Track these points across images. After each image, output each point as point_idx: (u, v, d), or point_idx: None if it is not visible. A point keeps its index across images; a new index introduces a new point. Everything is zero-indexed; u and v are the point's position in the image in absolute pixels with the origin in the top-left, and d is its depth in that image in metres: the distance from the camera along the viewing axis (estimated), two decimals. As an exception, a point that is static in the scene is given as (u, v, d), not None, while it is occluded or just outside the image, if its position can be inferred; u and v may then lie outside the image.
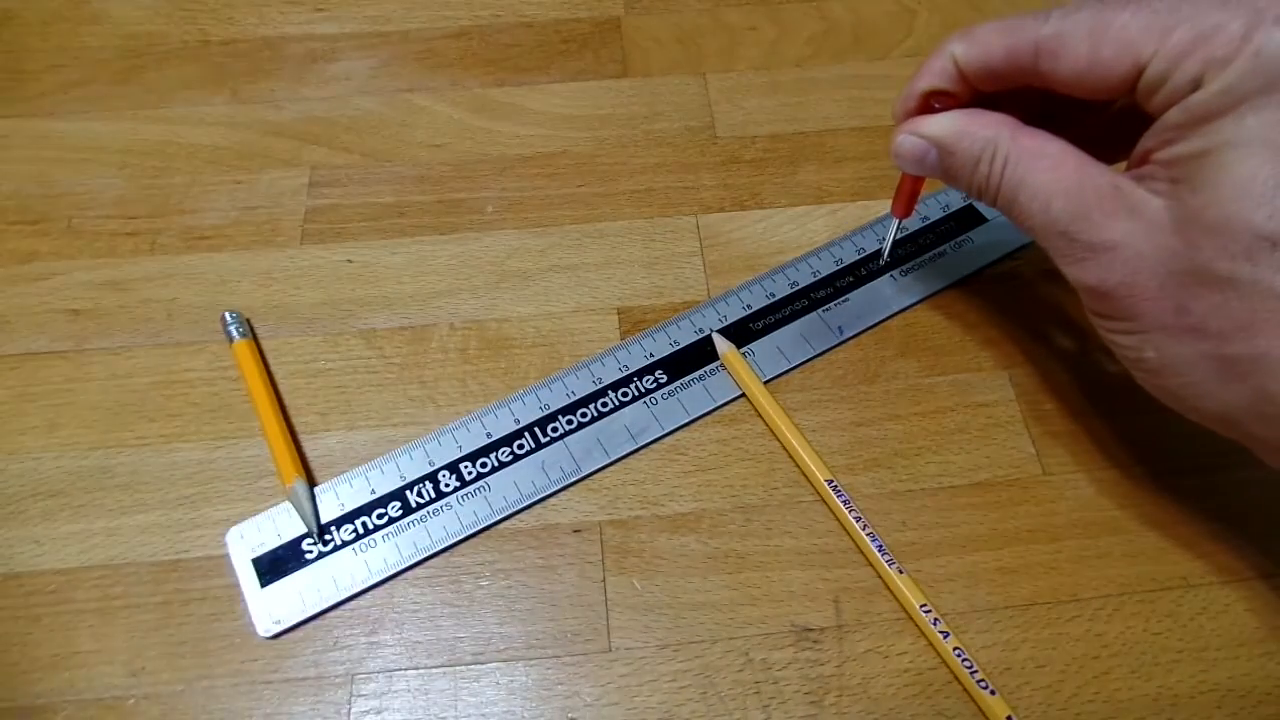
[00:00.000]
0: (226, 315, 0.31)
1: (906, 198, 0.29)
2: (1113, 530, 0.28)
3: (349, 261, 0.33)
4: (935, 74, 0.25)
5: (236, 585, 0.27)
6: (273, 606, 0.26)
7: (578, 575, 0.27)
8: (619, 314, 0.32)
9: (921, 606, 0.26)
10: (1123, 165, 0.23)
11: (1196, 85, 0.20)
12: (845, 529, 0.27)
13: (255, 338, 0.31)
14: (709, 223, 0.34)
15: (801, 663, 0.26)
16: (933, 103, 0.25)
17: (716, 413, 0.30)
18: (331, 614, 0.27)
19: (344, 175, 0.35)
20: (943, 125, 0.25)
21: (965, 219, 0.34)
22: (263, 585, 0.27)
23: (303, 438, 0.29)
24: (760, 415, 0.30)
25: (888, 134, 0.36)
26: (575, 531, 0.28)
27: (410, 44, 0.39)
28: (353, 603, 0.27)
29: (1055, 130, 0.23)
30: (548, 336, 0.32)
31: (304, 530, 0.27)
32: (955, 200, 0.34)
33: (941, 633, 0.25)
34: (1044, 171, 0.23)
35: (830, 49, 0.39)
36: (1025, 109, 0.24)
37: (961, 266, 0.33)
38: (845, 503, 0.27)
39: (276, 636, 0.26)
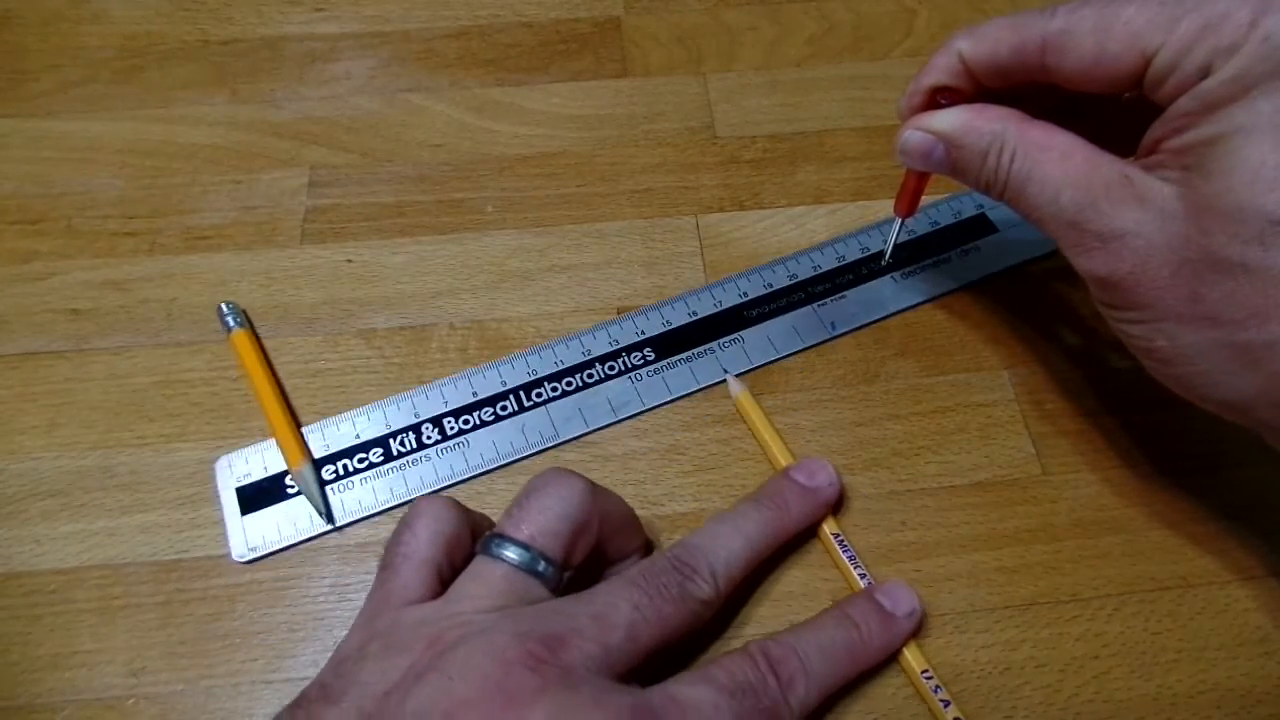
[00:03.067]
0: (223, 306, 0.31)
1: (910, 196, 0.29)
2: (1113, 530, 0.28)
3: (349, 261, 0.33)
4: (942, 70, 0.25)
5: (219, 511, 0.28)
6: (250, 534, 0.27)
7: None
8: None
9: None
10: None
11: (1205, 73, 0.20)
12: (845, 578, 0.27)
13: (253, 328, 0.31)
14: (709, 223, 0.34)
15: (801, 663, 0.25)
16: (939, 99, 0.25)
17: (716, 412, 0.30)
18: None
19: (344, 175, 0.35)
20: (949, 120, 0.25)
21: (976, 227, 0.34)
22: (243, 513, 0.28)
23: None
24: (767, 458, 0.29)
25: (888, 134, 0.36)
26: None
27: (410, 44, 0.39)
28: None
29: (1061, 126, 0.23)
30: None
31: (284, 466, 0.28)
32: (968, 207, 0.34)
33: (930, 683, 0.25)
34: (1052, 163, 0.23)
35: (830, 49, 0.39)
36: (1031, 106, 0.24)
37: (966, 273, 0.33)
38: (850, 557, 0.27)
39: (250, 562, 0.27)
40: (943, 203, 0.34)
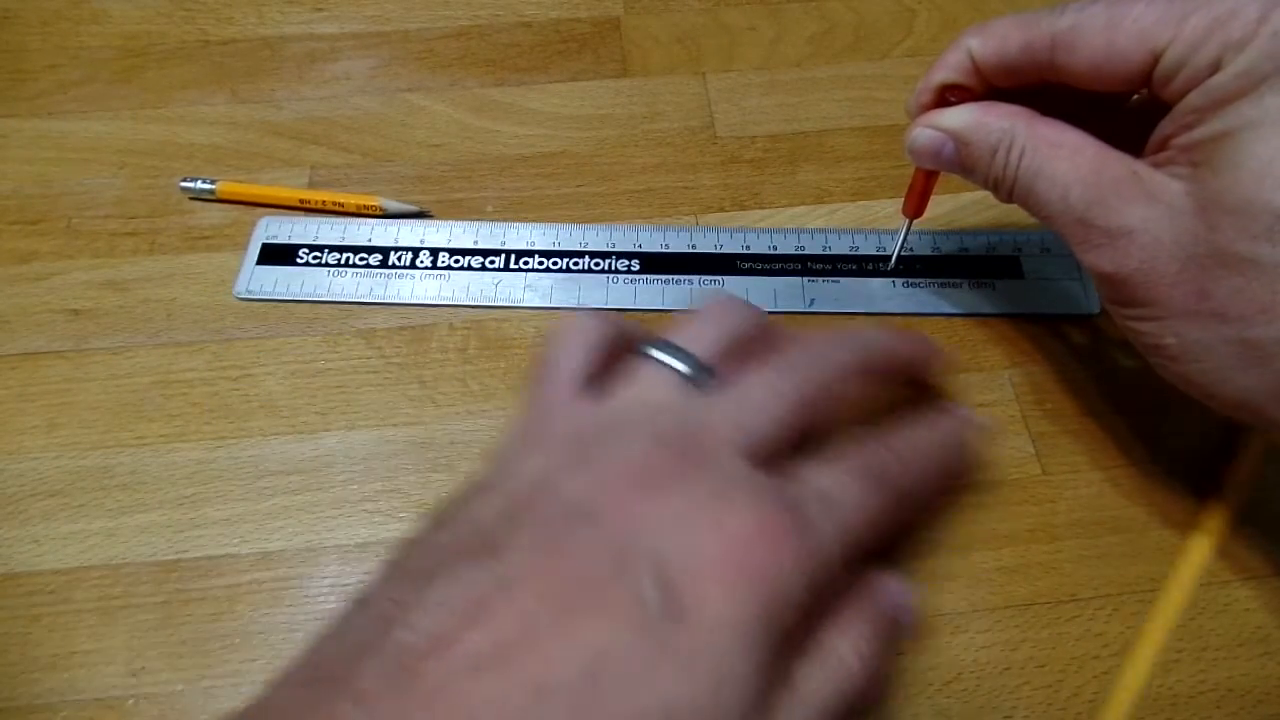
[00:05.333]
0: (182, 183, 0.34)
1: (919, 196, 0.29)
2: (1112, 530, 0.28)
3: (349, 261, 0.33)
4: (951, 67, 0.25)
5: (244, 253, 0.33)
6: (253, 281, 0.32)
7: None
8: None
9: None
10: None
11: (1214, 69, 0.20)
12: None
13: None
14: (709, 223, 0.34)
15: (801, 663, 0.25)
16: (948, 96, 0.25)
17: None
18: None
19: (344, 175, 0.35)
20: (959, 117, 0.25)
21: (1002, 267, 0.32)
22: (258, 263, 0.33)
23: (302, 438, 0.29)
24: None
25: (888, 134, 0.36)
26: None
27: (410, 44, 0.39)
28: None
29: (1071, 125, 0.23)
30: (547, 336, 0.32)
31: (305, 241, 0.33)
32: (1005, 247, 0.33)
33: None
34: (1061, 160, 0.23)
35: (830, 49, 0.39)
36: (1041, 105, 0.24)
37: (969, 305, 0.32)
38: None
39: (244, 300, 0.32)
40: (982, 233, 0.34)
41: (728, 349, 0.23)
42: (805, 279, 0.32)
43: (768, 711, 0.18)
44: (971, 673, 0.25)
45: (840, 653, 0.20)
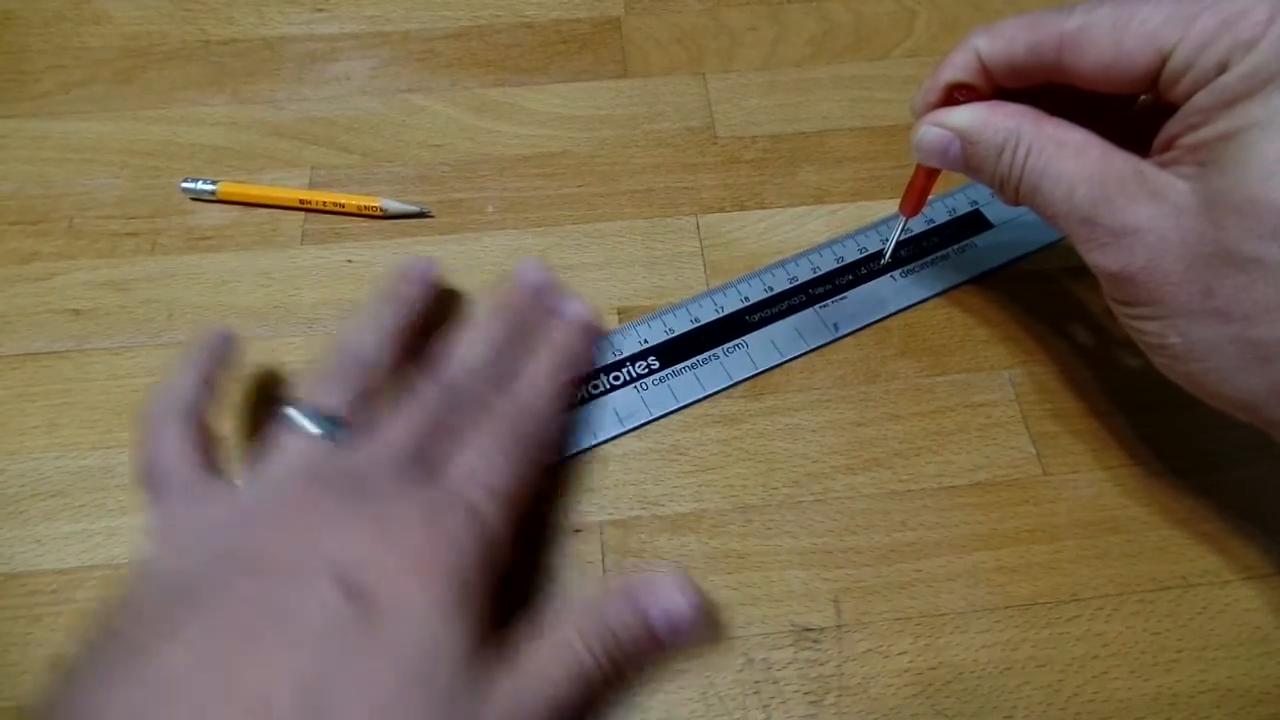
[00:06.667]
0: (182, 184, 0.34)
1: (918, 195, 0.29)
2: (1113, 530, 0.28)
3: (349, 262, 0.33)
4: (959, 67, 0.25)
5: None
6: None
7: (577, 576, 0.27)
8: (619, 314, 0.32)
9: None
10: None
11: (1222, 69, 0.20)
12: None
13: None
14: (709, 223, 0.34)
15: (801, 663, 0.26)
16: (955, 95, 0.25)
17: (716, 412, 0.30)
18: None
19: (344, 175, 0.35)
20: (966, 116, 0.25)
21: (970, 224, 0.34)
22: None
23: (303, 438, 0.29)
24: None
25: (888, 134, 0.36)
26: (575, 531, 0.28)
27: (410, 44, 0.39)
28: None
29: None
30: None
31: None
32: (961, 204, 0.34)
33: None
34: (1067, 159, 0.23)
35: (830, 49, 0.39)
36: (1048, 105, 0.24)
37: (963, 271, 0.33)
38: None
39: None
40: (937, 200, 0.34)
41: (355, 392, 0.25)
42: (816, 307, 0.32)
43: (482, 665, 0.21)
44: (971, 673, 0.25)
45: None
